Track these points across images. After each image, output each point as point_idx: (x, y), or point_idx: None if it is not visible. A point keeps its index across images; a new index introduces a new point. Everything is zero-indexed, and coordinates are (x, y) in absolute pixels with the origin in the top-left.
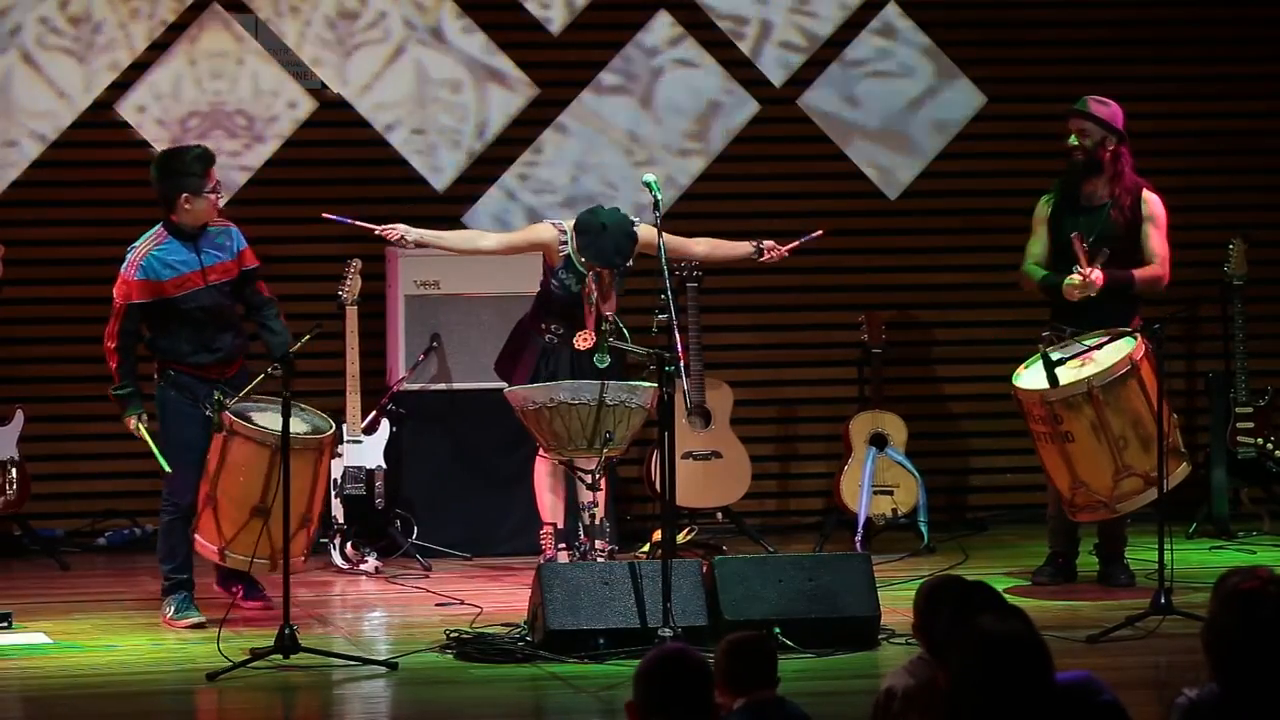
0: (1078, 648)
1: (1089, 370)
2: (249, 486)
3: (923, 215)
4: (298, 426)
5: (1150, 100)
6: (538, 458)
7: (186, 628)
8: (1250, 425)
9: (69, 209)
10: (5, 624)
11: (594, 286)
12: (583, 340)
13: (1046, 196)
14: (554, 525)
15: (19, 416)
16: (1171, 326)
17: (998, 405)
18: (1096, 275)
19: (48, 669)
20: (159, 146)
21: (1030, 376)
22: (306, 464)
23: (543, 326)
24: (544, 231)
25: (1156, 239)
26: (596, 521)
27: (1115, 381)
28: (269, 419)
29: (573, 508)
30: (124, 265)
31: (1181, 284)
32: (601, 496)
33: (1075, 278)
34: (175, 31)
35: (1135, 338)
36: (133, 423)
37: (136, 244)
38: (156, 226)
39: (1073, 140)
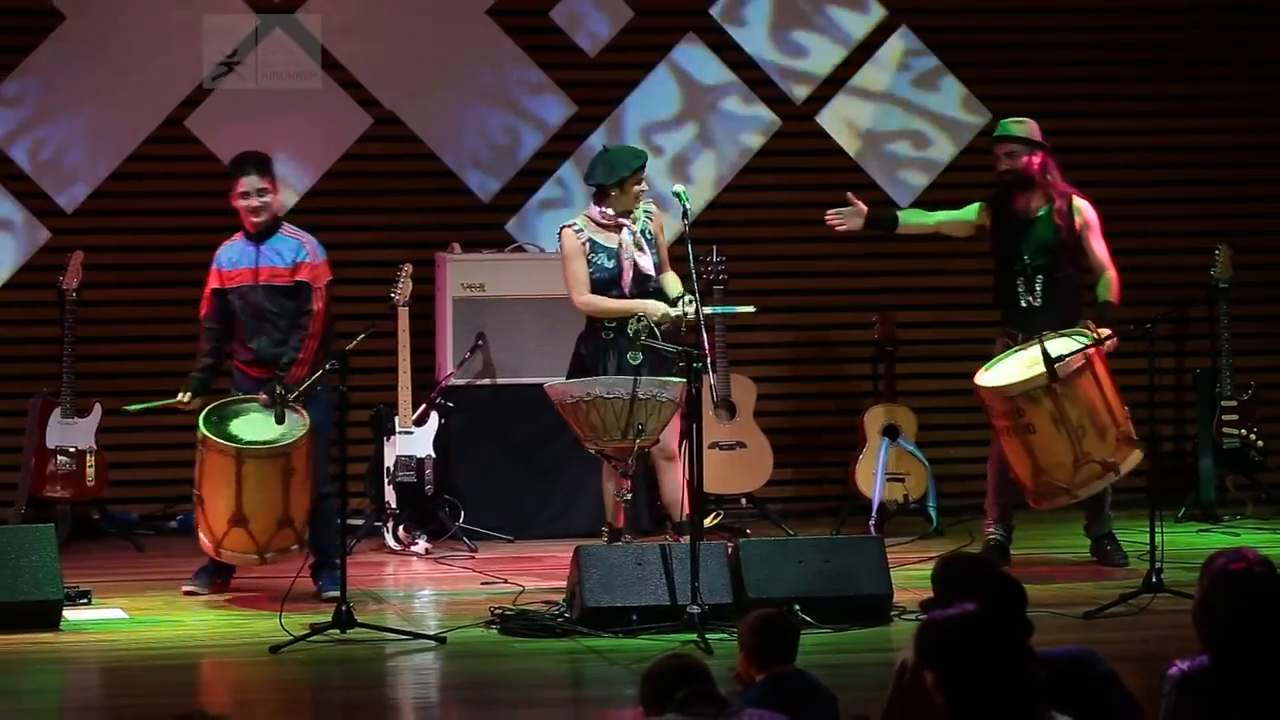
0: (1075, 623)
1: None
2: (226, 495)
3: None
4: (268, 434)
5: (1143, 117)
6: (604, 464)
7: (182, 590)
8: (1235, 417)
9: (142, 218)
10: (85, 600)
11: (628, 244)
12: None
13: (981, 204)
14: (610, 526)
15: (97, 409)
16: (1162, 326)
17: None
18: (1110, 341)
19: (124, 642)
20: (225, 160)
21: (991, 375)
22: (274, 471)
23: (596, 326)
24: (568, 241)
25: (1098, 245)
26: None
27: (1072, 375)
28: (249, 426)
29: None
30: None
31: (1171, 286)
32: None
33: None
34: (242, 51)
35: (1089, 334)
36: (180, 394)
37: None
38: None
39: (1001, 165)
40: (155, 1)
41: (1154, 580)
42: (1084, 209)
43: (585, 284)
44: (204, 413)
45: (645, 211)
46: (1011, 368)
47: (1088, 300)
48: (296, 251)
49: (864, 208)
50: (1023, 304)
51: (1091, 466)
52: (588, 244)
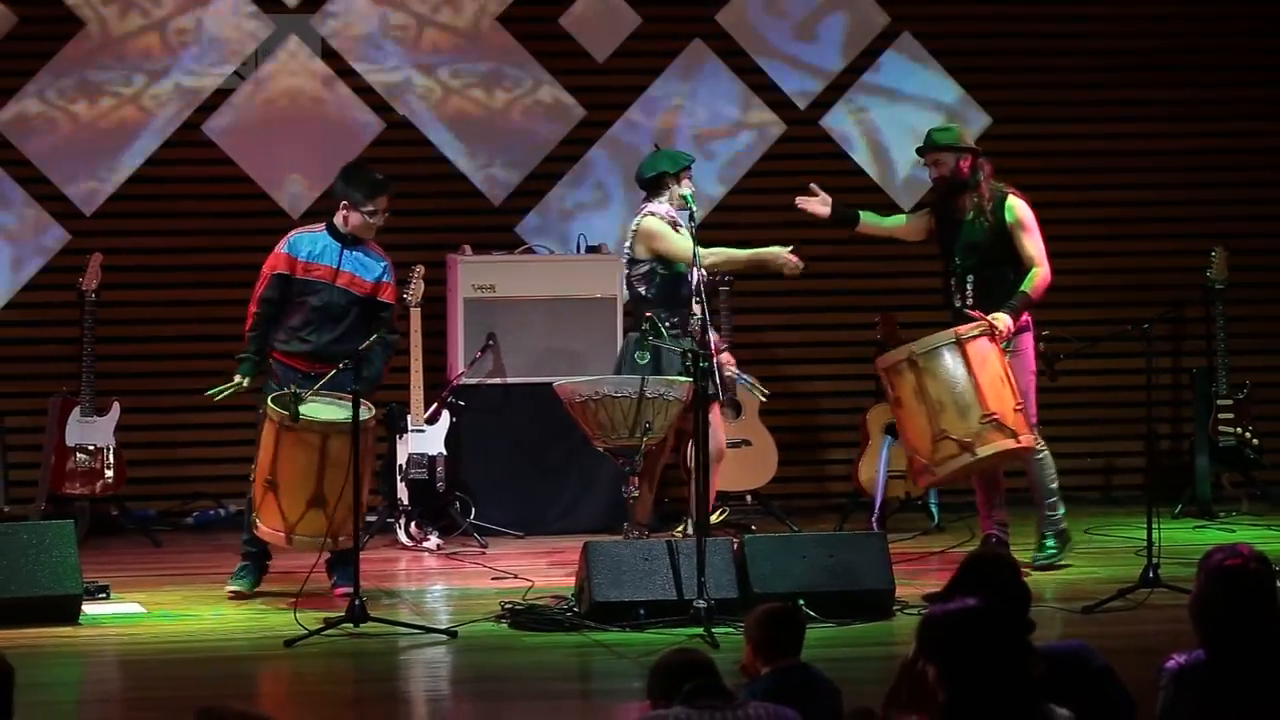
0: (1074, 617)
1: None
2: (305, 475)
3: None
4: (337, 414)
5: (1140, 121)
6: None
7: (228, 591)
8: (1230, 416)
9: (160, 220)
10: (104, 595)
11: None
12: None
13: (928, 209)
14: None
15: (115, 408)
16: (1159, 326)
17: None
18: (1003, 324)
19: (141, 636)
20: (242, 164)
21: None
22: (349, 447)
23: (669, 327)
24: (656, 222)
25: (1029, 242)
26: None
27: (934, 350)
28: (321, 411)
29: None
30: (281, 242)
31: (1168, 288)
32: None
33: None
34: (257, 57)
35: (972, 321)
36: (237, 378)
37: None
38: (322, 220)
39: (933, 174)
40: (173, 7)
41: (1151, 575)
42: (1017, 207)
43: (691, 248)
44: (271, 400)
45: (693, 205)
46: None
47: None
48: (384, 271)
49: (828, 198)
50: (956, 304)
51: (947, 444)
52: (670, 219)
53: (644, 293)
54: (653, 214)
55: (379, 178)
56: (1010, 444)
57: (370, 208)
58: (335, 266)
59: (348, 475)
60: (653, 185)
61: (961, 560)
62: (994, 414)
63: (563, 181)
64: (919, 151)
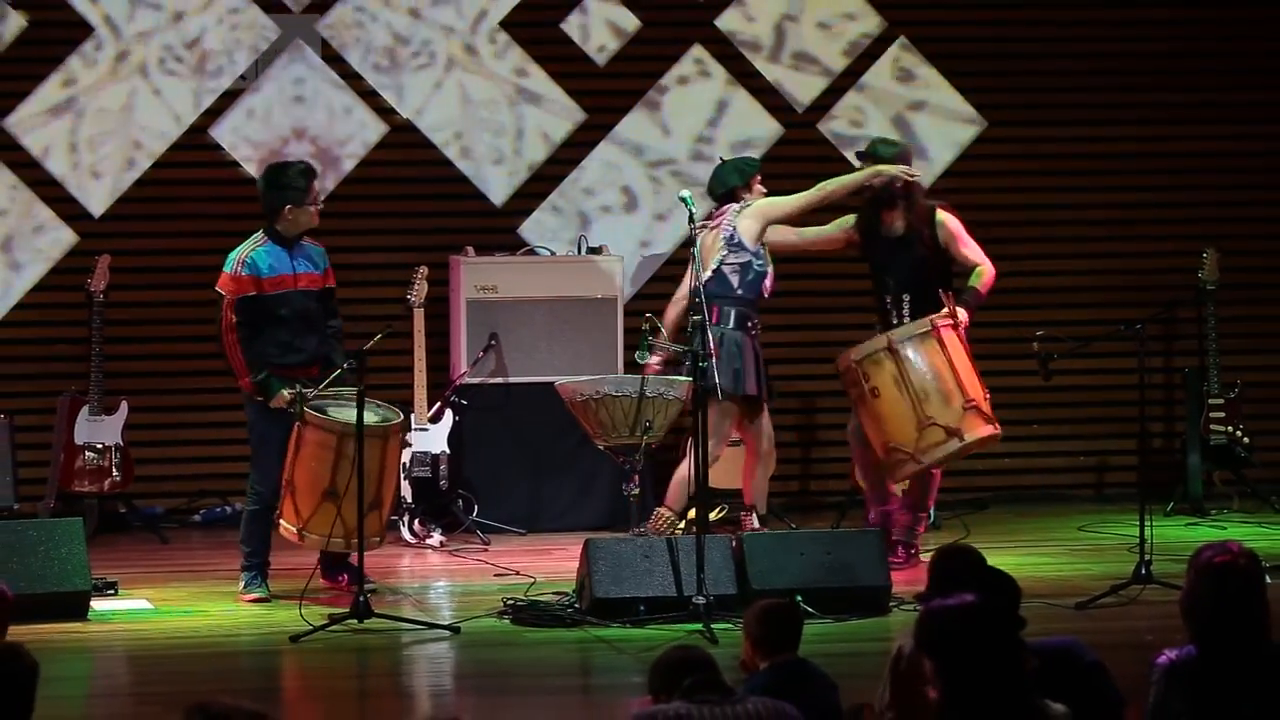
0: (1067, 613)
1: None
2: (319, 472)
3: None
4: (368, 418)
5: (1134, 124)
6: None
7: (250, 601)
8: (1222, 415)
9: (167, 223)
10: (112, 591)
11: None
12: None
13: (853, 219)
14: (752, 507)
15: (123, 407)
16: (1151, 326)
17: (996, 397)
18: (964, 317)
19: (149, 631)
20: (248, 167)
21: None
22: (374, 450)
23: (749, 326)
24: (763, 202)
25: (968, 251)
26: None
27: (913, 338)
28: (343, 412)
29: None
30: (229, 264)
31: (1160, 289)
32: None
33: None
34: (261, 62)
35: (938, 313)
36: (285, 397)
37: (239, 248)
38: (257, 233)
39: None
40: (179, 11)
41: (1143, 572)
42: (946, 221)
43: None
44: (299, 398)
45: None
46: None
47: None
48: (324, 258)
49: None
50: (894, 323)
51: (934, 430)
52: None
53: (735, 285)
54: (748, 203)
55: (303, 164)
56: (991, 430)
57: (311, 197)
58: (292, 272)
59: (386, 474)
60: (725, 200)
61: (932, 559)
62: (973, 400)
63: (564, 183)
64: (859, 156)
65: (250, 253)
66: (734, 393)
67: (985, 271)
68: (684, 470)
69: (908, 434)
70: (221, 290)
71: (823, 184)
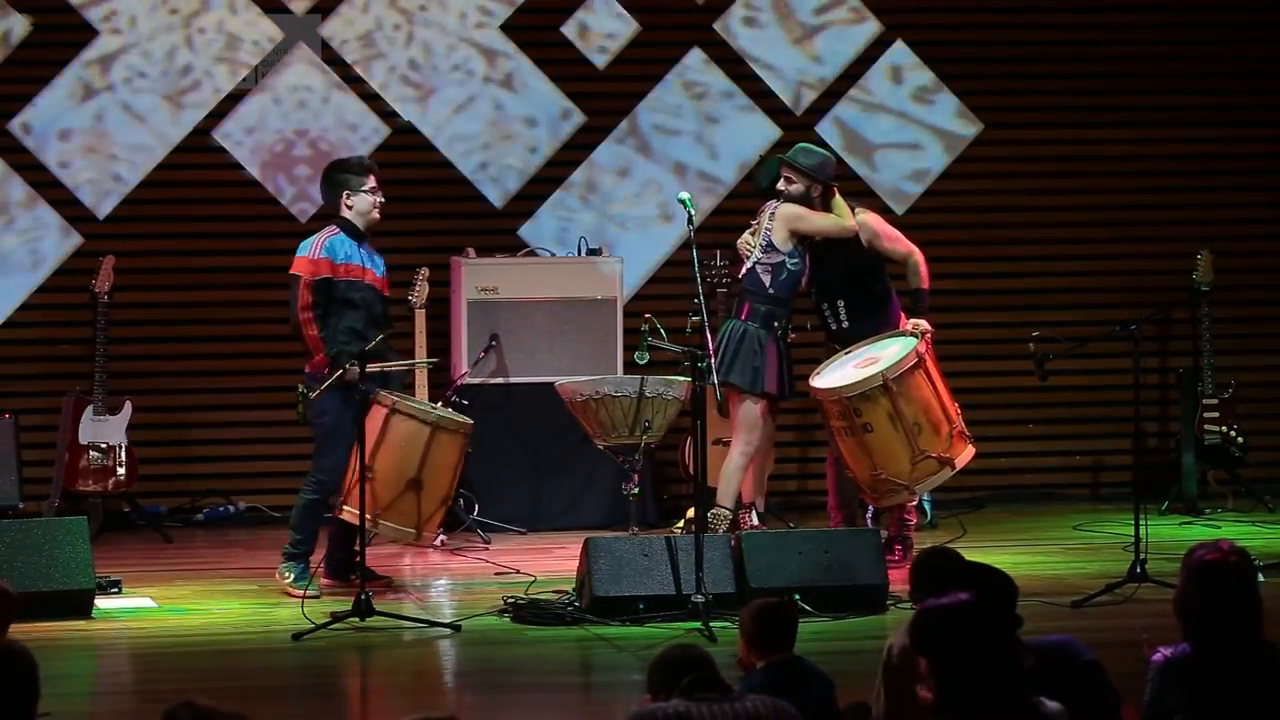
0: (1063, 611)
1: (879, 367)
2: (406, 462)
3: (927, 229)
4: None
5: (1129, 126)
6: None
7: (304, 598)
8: (1216, 415)
9: (170, 224)
10: (116, 589)
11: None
12: None
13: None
14: (751, 505)
15: (128, 407)
16: (1146, 327)
17: (993, 397)
18: (925, 325)
19: (152, 629)
20: (250, 169)
21: (825, 379)
22: (455, 446)
23: (775, 326)
24: (794, 208)
25: (892, 243)
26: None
27: (905, 373)
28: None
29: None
30: (307, 249)
31: (1155, 290)
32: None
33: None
34: (264, 65)
35: (916, 337)
36: (355, 371)
37: (314, 236)
38: (329, 225)
39: (780, 185)
40: (182, 14)
41: (1138, 570)
42: (868, 220)
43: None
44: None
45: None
46: (847, 370)
47: (903, 289)
48: (384, 264)
49: None
50: (833, 327)
51: (928, 463)
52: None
53: (768, 284)
54: (779, 206)
55: (360, 156)
56: (973, 450)
57: (368, 184)
58: (364, 266)
59: (454, 474)
60: (769, 195)
61: (914, 561)
62: (957, 425)
63: (564, 185)
64: (780, 160)
65: (328, 239)
66: (751, 390)
67: (918, 262)
68: (734, 462)
69: (901, 467)
70: (298, 272)
71: (841, 221)
